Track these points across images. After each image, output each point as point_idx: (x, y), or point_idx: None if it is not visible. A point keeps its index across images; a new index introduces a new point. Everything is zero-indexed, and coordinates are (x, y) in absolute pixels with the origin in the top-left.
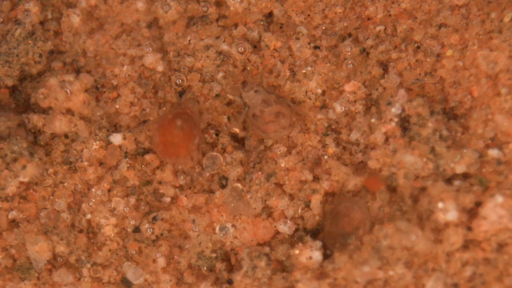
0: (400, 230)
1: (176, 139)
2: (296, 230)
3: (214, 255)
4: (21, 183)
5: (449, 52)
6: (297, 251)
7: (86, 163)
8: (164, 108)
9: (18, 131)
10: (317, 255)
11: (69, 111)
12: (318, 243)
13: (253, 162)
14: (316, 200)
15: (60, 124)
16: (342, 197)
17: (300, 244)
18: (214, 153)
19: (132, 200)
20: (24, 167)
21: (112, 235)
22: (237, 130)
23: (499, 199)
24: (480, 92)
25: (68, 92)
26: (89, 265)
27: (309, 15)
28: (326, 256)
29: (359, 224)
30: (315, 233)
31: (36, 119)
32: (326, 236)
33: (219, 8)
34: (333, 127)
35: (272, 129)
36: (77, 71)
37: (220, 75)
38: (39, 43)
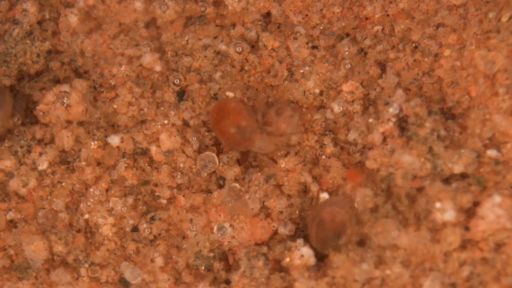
0: (386, 229)
1: (228, 128)
2: (296, 230)
3: (212, 254)
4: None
5: (447, 52)
6: (287, 259)
7: (84, 163)
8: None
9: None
10: (305, 250)
11: (69, 122)
12: (300, 241)
13: (251, 162)
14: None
15: (68, 141)
16: (321, 203)
17: (286, 252)
18: (205, 153)
19: (130, 200)
20: (41, 154)
21: (110, 234)
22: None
23: (497, 199)
24: (478, 92)
25: (66, 105)
26: (87, 265)
27: (307, 15)
28: (322, 258)
29: (345, 225)
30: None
31: (39, 133)
32: (315, 243)
33: (217, 8)
34: (331, 127)
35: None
36: (75, 71)
37: (218, 74)
38: (37, 43)
